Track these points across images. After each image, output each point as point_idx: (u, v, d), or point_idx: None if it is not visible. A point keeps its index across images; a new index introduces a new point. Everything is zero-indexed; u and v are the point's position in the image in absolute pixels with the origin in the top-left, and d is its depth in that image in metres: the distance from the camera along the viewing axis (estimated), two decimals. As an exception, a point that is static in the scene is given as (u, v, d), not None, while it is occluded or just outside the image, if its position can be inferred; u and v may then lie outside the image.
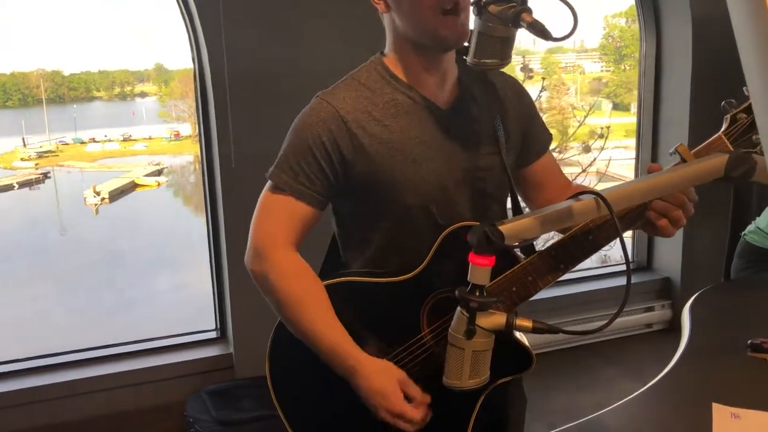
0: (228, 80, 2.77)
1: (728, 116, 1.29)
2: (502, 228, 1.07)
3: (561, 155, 5.56)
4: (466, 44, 1.35)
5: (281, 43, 2.83)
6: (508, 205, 1.47)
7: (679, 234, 3.57)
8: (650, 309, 3.76)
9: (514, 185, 1.44)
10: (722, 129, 1.28)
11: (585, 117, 5.65)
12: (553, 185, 1.53)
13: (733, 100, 1.29)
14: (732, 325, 1.59)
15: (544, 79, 4.81)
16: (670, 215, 1.26)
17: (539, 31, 1.03)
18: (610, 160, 5.58)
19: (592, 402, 3.18)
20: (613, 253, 4.96)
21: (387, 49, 1.38)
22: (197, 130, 3.04)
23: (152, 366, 2.98)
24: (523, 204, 1.49)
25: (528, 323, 1.09)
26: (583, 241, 1.28)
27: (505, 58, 1.15)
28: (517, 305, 1.29)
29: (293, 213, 1.34)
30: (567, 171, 5.86)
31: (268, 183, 1.37)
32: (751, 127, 1.26)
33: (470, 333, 1.08)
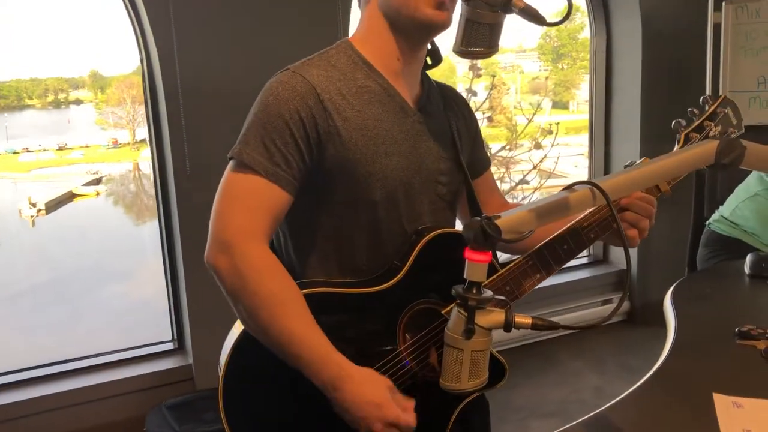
0: (180, 85, 2.67)
1: (681, 135, 1.32)
2: (499, 222, 1.03)
3: (511, 152, 5.61)
4: (429, 45, 1.33)
5: (233, 46, 2.75)
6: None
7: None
8: (608, 302, 3.82)
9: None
10: (676, 147, 1.31)
11: (533, 114, 5.73)
12: (493, 203, 1.53)
13: (682, 120, 1.34)
14: (715, 315, 1.60)
15: (494, 76, 4.85)
16: (639, 225, 1.29)
17: (532, 16, 1.00)
18: (558, 157, 5.67)
19: (559, 396, 3.20)
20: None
21: (359, 33, 1.30)
22: (148, 137, 2.91)
23: (109, 381, 2.85)
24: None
25: (527, 320, 1.06)
26: (564, 245, 1.28)
27: (493, 46, 1.12)
28: (520, 297, 1.27)
29: (268, 200, 1.17)
30: (518, 168, 5.93)
31: (233, 163, 1.19)
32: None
33: (469, 332, 1.03)
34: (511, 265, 1.28)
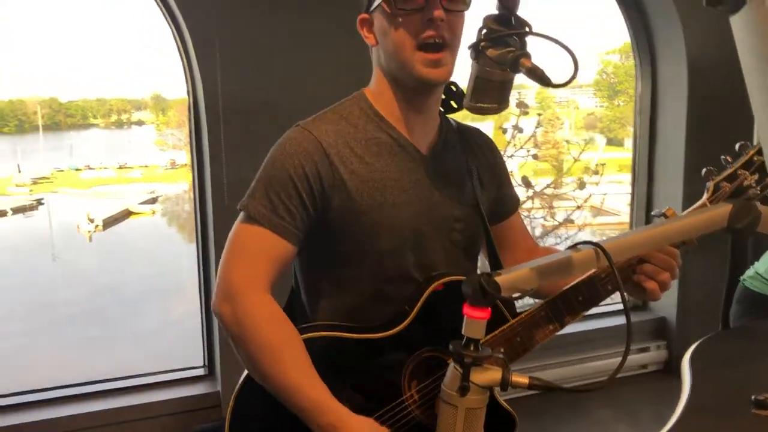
0: (222, 109, 2.75)
1: (710, 184, 1.27)
2: (498, 279, 1.03)
3: (556, 191, 5.55)
4: (453, 88, 1.34)
5: (275, 72, 2.81)
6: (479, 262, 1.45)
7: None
8: (645, 350, 3.71)
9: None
10: (705, 196, 1.26)
11: (580, 153, 5.66)
12: (521, 247, 1.51)
13: (714, 168, 1.28)
14: (734, 379, 1.54)
15: (540, 114, 4.82)
16: (659, 278, 1.26)
17: (539, 77, 1.00)
18: (605, 195, 5.58)
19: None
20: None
21: (372, 85, 1.33)
22: (190, 163, 2.99)
23: (138, 404, 2.89)
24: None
25: (524, 379, 1.04)
26: (579, 297, 1.25)
27: (503, 102, 1.12)
28: (513, 361, 1.24)
29: (270, 250, 1.22)
30: (563, 205, 5.86)
31: (242, 215, 1.25)
32: (734, 195, 1.24)
33: (464, 390, 1.02)
34: (523, 315, 1.26)
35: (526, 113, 5.17)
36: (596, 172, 5.35)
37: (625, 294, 1.11)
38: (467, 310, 1.02)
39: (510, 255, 1.47)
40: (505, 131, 5.33)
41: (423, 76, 1.22)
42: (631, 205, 3.88)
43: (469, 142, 1.42)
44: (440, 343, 1.27)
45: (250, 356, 1.20)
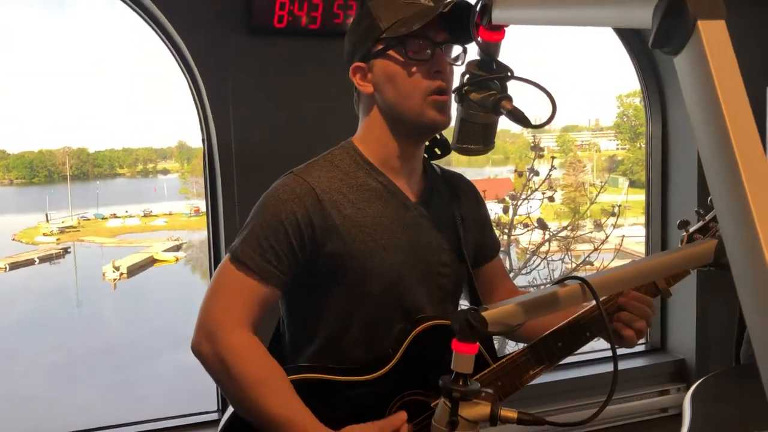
0: (234, 157, 2.82)
1: (684, 236, 1.30)
2: (485, 314, 1.05)
3: (573, 233, 5.54)
4: (438, 136, 1.38)
5: (287, 122, 2.88)
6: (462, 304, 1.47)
7: (693, 314, 3.49)
8: (665, 392, 3.64)
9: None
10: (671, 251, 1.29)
11: (597, 195, 5.67)
12: (501, 289, 1.53)
13: (687, 220, 1.31)
14: (734, 418, 1.53)
15: (553, 158, 4.86)
16: (635, 326, 1.29)
17: (518, 118, 1.03)
18: (623, 237, 5.56)
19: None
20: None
21: (360, 134, 1.36)
22: (206, 210, 3.04)
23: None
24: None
25: (513, 414, 1.05)
26: (565, 337, 1.27)
27: (488, 144, 1.16)
28: (503, 399, 1.26)
29: (253, 292, 1.22)
30: (579, 248, 5.83)
31: (229, 256, 1.25)
32: None
33: (453, 425, 1.03)
34: (504, 360, 1.28)
35: (541, 156, 5.21)
36: (614, 214, 5.34)
37: (609, 326, 1.12)
38: (456, 345, 1.04)
39: (491, 297, 1.49)
40: (521, 174, 5.37)
41: (432, 120, 1.26)
42: (646, 247, 3.86)
43: (454, 189, 1.46)
44: (424, 387, 1.28)
45: (234, 391, 1.20)
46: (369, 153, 1.33)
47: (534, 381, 1.30)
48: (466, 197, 1.47)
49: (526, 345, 1.28)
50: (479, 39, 1.08)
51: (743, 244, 0.61)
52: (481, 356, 1.27)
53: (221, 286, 1.25)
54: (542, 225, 4.83)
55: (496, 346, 3.63)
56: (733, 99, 0.62)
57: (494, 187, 6.27)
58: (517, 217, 4.98)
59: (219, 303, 1.23)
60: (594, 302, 1.08)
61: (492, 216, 5.44)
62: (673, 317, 3.72)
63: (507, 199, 5.07)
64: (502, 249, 5.16)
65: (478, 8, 1.07)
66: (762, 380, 0.60)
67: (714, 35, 0.63)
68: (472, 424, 1.05)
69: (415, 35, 1.22)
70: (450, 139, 1.24)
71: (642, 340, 3.92)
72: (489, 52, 1.09)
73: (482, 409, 1.05)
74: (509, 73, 1.09)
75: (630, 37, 3.41)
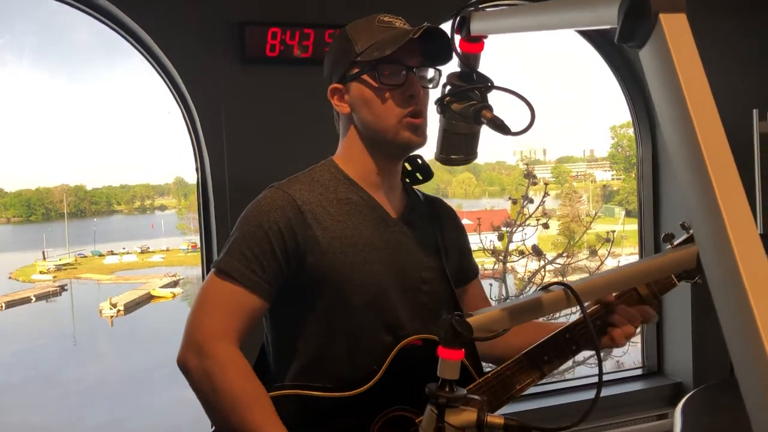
0: (228, 188, 2.83)
1: (670, 248, 1.32)
2: (470, 320, 1.05)
3: (569, 260, 5.56)
4: (419, 161, 1.41)
5: (281, 155, 2.91)
6: None
7: (688, 337, 3.49)
8: (663, 416, 3.62)
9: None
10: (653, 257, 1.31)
11: (590, 222, 5.70)
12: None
13: (671, 233, 1.33)
14: (723, 426, 1.52)
15: (546, 184, 4.89)
16: (623, 329, 1.29)
17: (498, 126, 1.05)
18: (619, 262, 5.58)
19: None
20: (626, 359, 4.84)
21: (340, 152, 1.38)
22: (200, 245, 3.03)
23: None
24: None
25: (499, 420, 1.05)
26: (558, 344, 1.28)
27: (470, 154, 1.18)
28: (495, 409, 1.25)
29: (240, 304, 1.22)
30: (576, 276, 5.85)
31: (214, 269, 1.25)
32: None
33: (439, 431, 1.04)
34: (489, 374, 1.28)
35: (535, 184, 5.24)
36: (608, 240, 5.36)
37: (594, 334, 1.13)
38: (441, 351, 1.05)
39: None
40: (515, 202, 5.40)
41: (406, 141, 1.28)
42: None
43: (436, 211, 1.47)
44: (409, 403, 1.28)
45: (218, 409, 1.19)
46: (349, 170, 1.34)
47: (527, 406, 1.29)
48: (447, 221, 1.48)
49: (511, 360, 1.28)
50: (459, 51, 1.10)
51: (709, 229, 0.62)
52: (466, 370, 1.26)
53: (207, 298, 1.25)
54: (537, 252, 4.84)
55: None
56: (695, 87, 0.64)
57: (491, 218, 6.30)
58: (513, 245, 4.99)
59: (206, 315, 1.23)
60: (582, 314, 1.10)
61: (487, 244, 5.44)
62: (669, 340, 3.71)
63: (502, 228, 5.09)
64: (497, 277, 5.15)
65: (456, 21, 1.10)
66: (740, 386, 0.60)
67: (675, 28, 0.65)
68: (458, 431, 1.05)
69: (388, 60, 1.24)
70: (433, 162, 1.26)
71: (639, 365, 3.91)
72: (469, 63, 1.12)
73: (468, 416, 1.05)
74: (489, 84, 1.11)
75: (619, 64, 3.47)
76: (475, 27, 1.05)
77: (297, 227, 1.25)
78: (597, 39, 3.37)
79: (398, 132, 1.27)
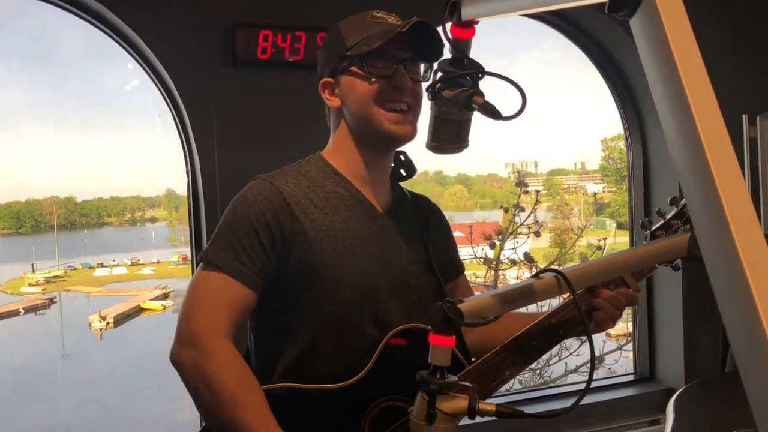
0: (219, 191, 2.82)
1: (648, 233, 1.32)
2: (461, 306, 1.05)
3: (560, 268, 5.57)
4: (402, 157, 1.40)
5: (273, 156, 2.90)
6: None
7: (680, 343, 3.48)
8: (655, 422, 3.61)
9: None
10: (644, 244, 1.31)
11: (581, 231, 5.71)
12: None
13: (649, 219, 1.35)
14: (716, 419, 1.52)
15: (538, 192, 4.91)
16: (608, 311, 1.29)
17: (489, 111, 1.05)
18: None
19: None
20: (617, 367, 4.84)
21: (330, 147, 1.39)
22: (191, 256, 3.01)
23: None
24: None
25: (491, 407, 1.05)
26: (545, 330, 1.27)
27: (462, 142, 1.18)
28: (487, 396, 1.24)
29: (232, 297, 1.21)
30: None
31: (203, 263, 1.24)
32: None
33: (431, 417, 1.03)
34: (479, 361, 1.27)
35: (526, 192, 5.26)
36: (600, 248, 5.37)
37: (587, 320, 1.12)
38: (432, 337, 1.04)
39: None
40: (506, 210, 5.40)
41: (390, 132, 1.28)
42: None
43: (421, 207, 1.47)
44: (401, 393, 1.26)
45: (210, 404, 1.17)
46: (337, 163, 1.35)
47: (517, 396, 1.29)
48: (432, 217, 1.49)
49: (499, 347, 1.27)
50: (450, 36, 1.11)
51: (702, 191, 0.61)
52: (456, 359, 1.25)
53: (197, 292, 1.24)
54: (529, 259, 4.85)
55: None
56: (686, 55, 0.63)
57: (483, 228, 6.31)
58: (503, 254, 5.00)
59: (198, 310, 1.21)
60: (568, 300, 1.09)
61: (479, 253, 5.41)
62: (661, 346, 3.70)
63: (494, 237, 5.10)
64: (488, 284, 5.15)
65: (447, 7, 1.10)
66: (740, 372, 0.58)
67: (666, -5, 0.65)
68: (450, 418, 1.04)
69: (377, 53, 1.25)
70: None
71: (631, 371, 3.90)
72: (460, 49, 1.12)
73: (460, 402, 1.05)
74: (480, 69, 1.11)
75: (608, 68, 3.49)
76: (466, 12, 1.05)
77: (283, 219, 1.24)
78: (587, 45, 3.40)
79: (382, 123, 1.27)
